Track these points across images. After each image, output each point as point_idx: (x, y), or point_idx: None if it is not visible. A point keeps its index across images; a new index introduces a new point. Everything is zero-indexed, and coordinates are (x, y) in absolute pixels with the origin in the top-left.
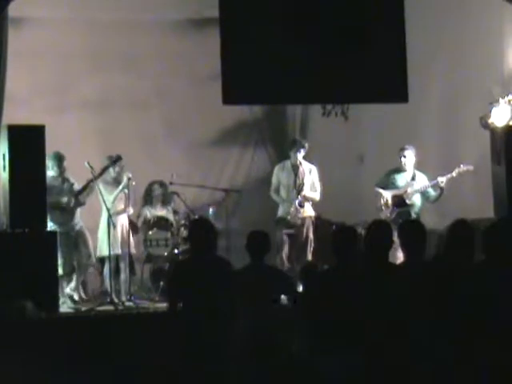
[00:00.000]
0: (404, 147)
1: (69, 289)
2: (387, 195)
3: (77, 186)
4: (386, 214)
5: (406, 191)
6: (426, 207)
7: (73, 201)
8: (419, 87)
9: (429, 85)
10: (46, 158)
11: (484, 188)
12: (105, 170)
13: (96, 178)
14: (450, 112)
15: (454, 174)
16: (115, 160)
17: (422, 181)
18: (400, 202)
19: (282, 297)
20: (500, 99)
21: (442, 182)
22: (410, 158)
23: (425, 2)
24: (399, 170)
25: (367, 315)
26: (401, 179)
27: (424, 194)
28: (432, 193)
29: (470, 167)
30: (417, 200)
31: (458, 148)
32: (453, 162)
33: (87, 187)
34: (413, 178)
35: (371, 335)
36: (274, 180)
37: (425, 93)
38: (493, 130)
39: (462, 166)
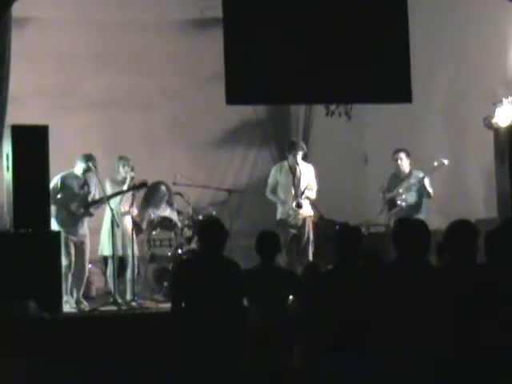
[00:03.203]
0: (396, 150)
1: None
2: (385, 199)
3: (92, 196)
4: (383, 217)
5: (398, 192)
6: (431, 207)
7: (82, 210)
8: (423, 87)
9: (433, 85)
10: (78, 156)
11: (488, 188)
12: (123, 192)
13: (110, 197)
14: (453, 112)
15: (432, 169)
16: (139, 186)
17: (416, 178)
18: (392, 203)
19: (291, 297)
20: (503, 99)
21: (423, 178)
22: (403, 159)
23: (429, 2)
24: (397, 173)
25: (372, 315)
26: (397, 181)
27: (419, 190)
28: (428, 189)
29: (444, 161)
30: (409, 198)
31: (462, 148)
32: (457, 161)
33: (100, 202)
34: (403, 179)
35: (378, 336)
36: (270, 180)
37: (428, 93)
38: (496, 130)
39: (439, 159)
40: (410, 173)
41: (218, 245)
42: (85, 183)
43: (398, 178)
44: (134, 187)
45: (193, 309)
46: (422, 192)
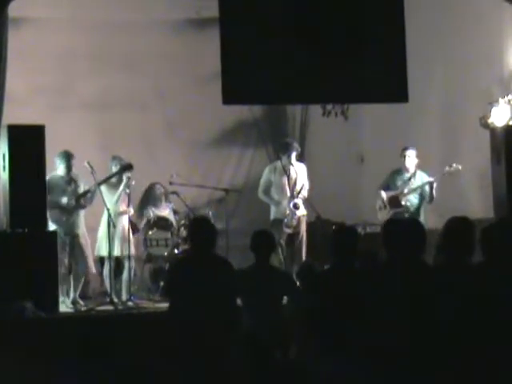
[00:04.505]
0: (406, 147)
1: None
2: (385, 196)
3: (82, 189)
4: (382, 215)
5: (401, 192)
6: (427, 207)
7: (73, 202)
8: (419, 87)
9: (429, 85)
10: (55, 156)
11: (484, 188)
12: (112, 176)
13: (100, 183)
14: (449, 112)
15: (444, 173)
16: (125, 168)
17: (422, 180)
18: (395, 202)
19: (285, 297)
20: (500, 99)
21: (432, 182)
22: (412, 158)
23: (425, 2)
24: (401, 170)
25: (368, 316)
26: (400, 180)
27: (421, 193)
28: (427, 192)
29: (459, 166)
30: (413, 200)
31: (458, 148)
32: (453, 161)
33: (90, 191)
34: (409, 179)
35: (375, 336)
36: (263, 181)
37: (425, 93)
38: (493, 130)
39: (452, 165)
40: (415, 173)
41: (208, 244)
42: (71, 180)
43: (401, 175)
44: (120, 170)
45: (186, 309)
46: (423, 195)
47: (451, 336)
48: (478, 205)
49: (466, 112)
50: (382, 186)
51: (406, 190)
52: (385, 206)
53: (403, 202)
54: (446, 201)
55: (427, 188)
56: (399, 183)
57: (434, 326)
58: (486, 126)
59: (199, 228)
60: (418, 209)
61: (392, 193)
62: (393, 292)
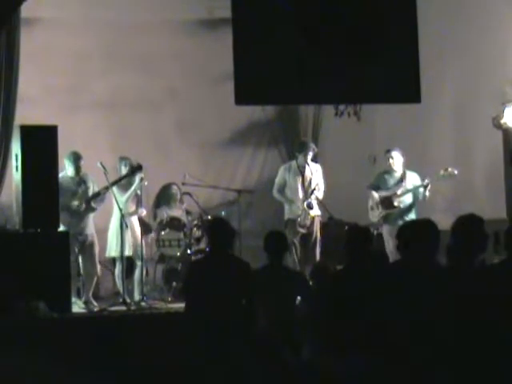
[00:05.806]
0: (389, 149)
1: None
2: (377, 197)
3: (92, 191)
4: (374, 216)
5: (395, 193)
6: (438, 207)
7: (84, 205)
8: (432, 88)
9: (441, 85)
10: (64, 157)
11: (497, 188)
12: (122, 178)
13: (111, 185)
14: (462, 112)
15: (438, 176)
16: (135, 169)
17: (413, 180)
18: (388, 203)
19: (298, 298)
20: None
21: (428, 185)
22: (397, 158)
23: (437, 2)
24: (389, 171)
25: (381, 316)
26: (391, 180)
27: (415, 193)
28: (421, 193)
29: (454, 171)
30: (406, 200)
31: (471, 148)
32: (465, 162)
33: (100, 194)
34: (401, 180)
35: (385, 337)
36: (278, 180)
37: (437, 93)
38: (505, 131)
39: (448, 169)
40: (405, 174)
41: (227, 244)
42: (81, 180)
43: (392, 176)
44: (130, 171)
45: (203, 308)
46: (416, 194)
47: (468, 335)
48: (491, 205)
49: (478, 112)
50: (371, 187)
51: (399, 192)
52: (377, 207)
53: (396, 203)
54: (458, 201)
55: (421, 189)
56: (391, 183)
57: (447, 326)
58: (498, 126)
59: (218, 229)
60: (410, 208)
61: (385, 193)
62: (406, 292)
